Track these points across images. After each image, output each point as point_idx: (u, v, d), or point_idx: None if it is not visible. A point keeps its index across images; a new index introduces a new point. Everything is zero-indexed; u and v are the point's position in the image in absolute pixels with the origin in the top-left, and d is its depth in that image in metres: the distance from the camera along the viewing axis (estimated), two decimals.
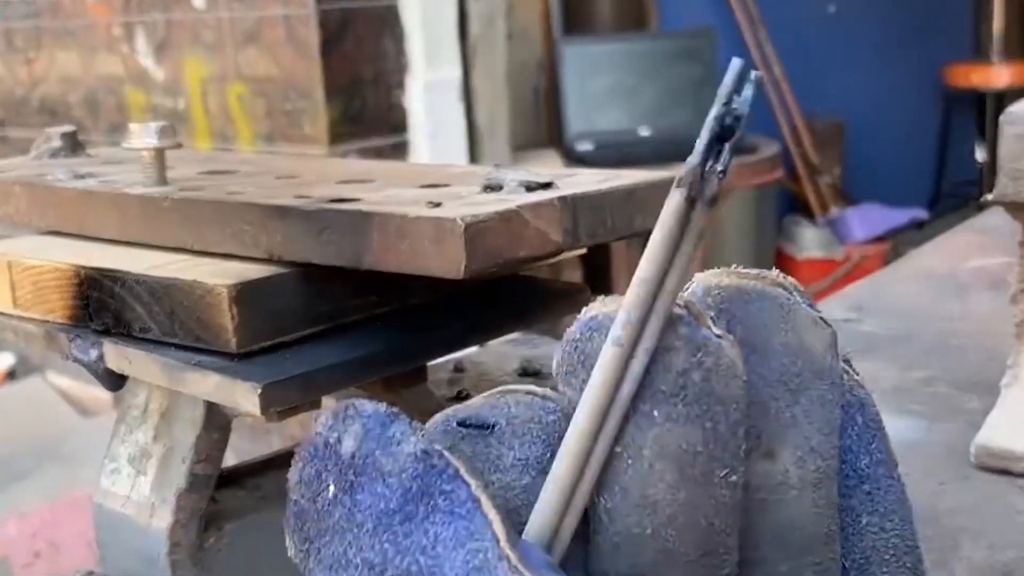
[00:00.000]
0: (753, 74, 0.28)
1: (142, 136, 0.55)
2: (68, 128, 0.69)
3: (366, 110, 1.97)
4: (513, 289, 0.57)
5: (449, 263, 0.40)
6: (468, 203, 0.43)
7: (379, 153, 1.99)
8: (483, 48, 2.08)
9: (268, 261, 0.47)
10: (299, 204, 0.46)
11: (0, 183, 0.60)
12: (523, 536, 0.27)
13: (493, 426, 0.29)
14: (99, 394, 2.26)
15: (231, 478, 0.55)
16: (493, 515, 0.26)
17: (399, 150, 2.02)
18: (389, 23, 1.98)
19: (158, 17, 2.20)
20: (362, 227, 0.43)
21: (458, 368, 0.65)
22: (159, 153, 0.55)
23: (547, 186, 0.45)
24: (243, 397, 0.43)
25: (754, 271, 0.31)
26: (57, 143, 0.67)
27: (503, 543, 0.25)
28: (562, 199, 0.43)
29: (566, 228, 0.43)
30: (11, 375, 2.72)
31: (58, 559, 2.02)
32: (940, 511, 0.67)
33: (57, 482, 2.12)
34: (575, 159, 2.39)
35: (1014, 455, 0.71)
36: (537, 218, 0.42)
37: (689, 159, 0.27)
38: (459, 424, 0.29)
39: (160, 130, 0.55)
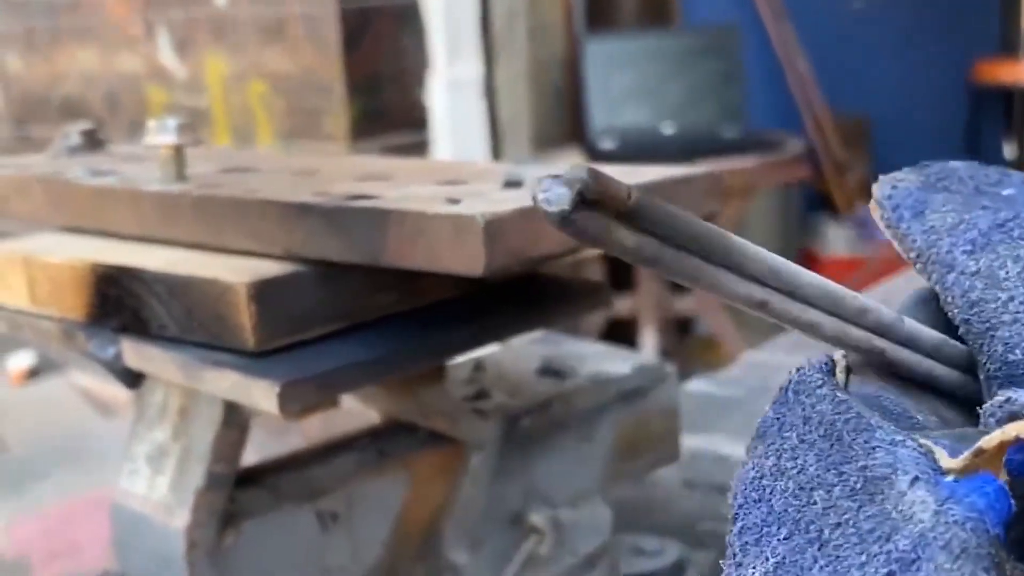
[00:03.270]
0: None
1: (160, 133, 0.54)
2: (87, 125, 0.69)
3: (387, 107, 1.97)
4: (533, 287, 0.57)
5: (469, 260, 0.40)
6: (487, 200, 0.43)
7: (400, 150, 1.99)
8: (505, 45, 2.08)
9: (286, 259, 0.47)
10: (317, 202, 0.46)
11: (19, 180, 0.60)
12: None
13: None
14: (121, 394, 2.27)
15: (249, 477, 0.54)
16: None
17: (420, 147, 2.01)
18: (410, 20, 1.98)
19: (179, 15, 2.20)
20: (380, 224, 0.43)
21: (478, 367, 0.65)
22: (178, 150, 0.55)
23: None
24: (261, 396, 0.43)
25: None
26: (76, 140, 0.67)
27: None
28: None
29: None
30: (33, 374, 2.73)
31: (77, 558, 2.03)
32: None
33: (77, 481, 2.13)
34: (598, 156, 2.38)
35: None
36: None
37: None
38: None
39: (179, 127, 0.54)
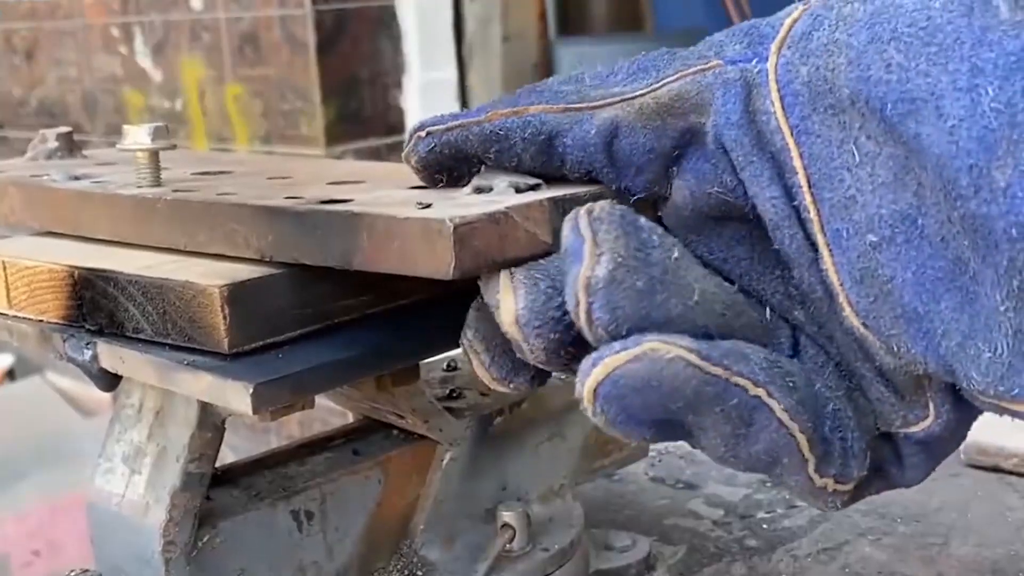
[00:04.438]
0: None
1: (136, 137, 0.55)
2: (64, 129, 0.69)
3: (363, 111, 1.98)
4: None
5: (438, 264, 0.40)
6: (458, 204, 0.43)
7: (376, 154, 1.99)
8: (479, 49, 2.09)
9: (260, 262, 0.48)
10: (289, 205, 0.47)
11: None
12: None
13: None
14: (99, 394, 2.27)
15: (226, 477, 0.55)
16: None
17: (396, 150, 2.01)
18: (385, 24, 1.98)
19: (156, 18, 2.20)
20: (352, 228, 0.43)
21: (451, 367, 0.66)
22: (153, 154, 0.55)
23: (536, 187, 0.45)
24: (234, 397, 0.43)
25: None
26: (53, 144, 0.68)
27: None
28: (551, 200, 0.43)
29: (556, 229, 0.43)
30: (11, 375, 2.72)
31: (57, 558, 2.03)
32: (930, 508, 0.68)
33: (57, 482, 2.13)
34: None
35: (1004, 452, 0.71)
36: (526, 219, 0.42)
37: None
38: None
39: (154, 131, 0.55)
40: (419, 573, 0.57)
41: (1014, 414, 0.37)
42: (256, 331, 0.46)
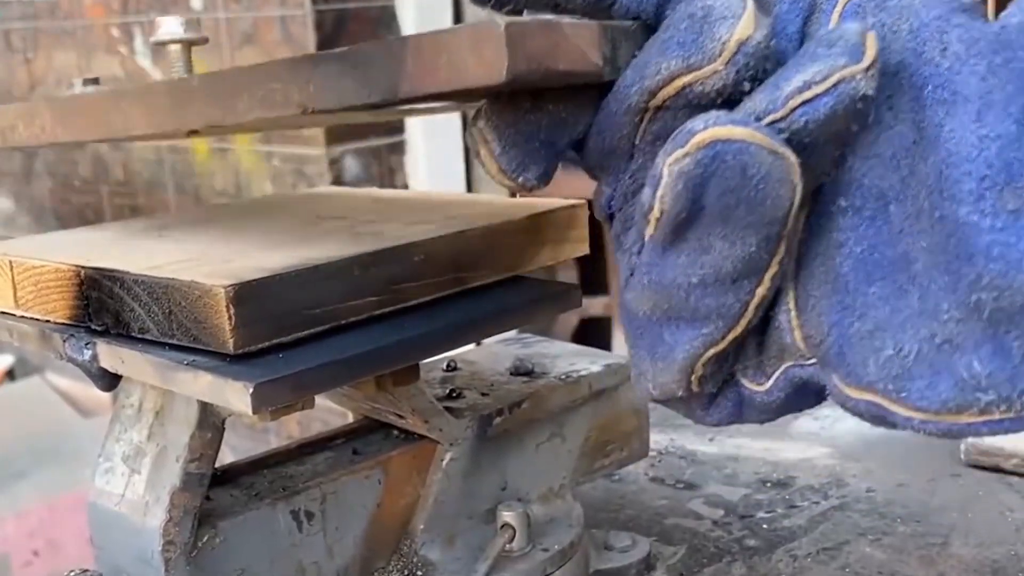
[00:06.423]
0: None
1: (169, 27, 0.55)
2: (91, 77, 0.68)
3: None
4: (507, 288, 0.58)
5: (490, 69, 0.38)
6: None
7: (376, 154, 1.99)
8: None
9: (303, 116, 0.46)
10: (329, 52, 0.45)
11: (25, 107, 0.59)
12: None
13: None
14: (98, 394, 2.26)
15: (225, 477, 0.55)
16: None
17: (396, 150, 2.02)
18: (385, 24, 1.98)
19: (155, 17, 2.20)
20: (397, 55, 0.41)
21: (451, 367, 0.66)
22: (186, 46, 0.55)
23: None
24: (234, 396, 0.43)
25: None
26: (81, 89, 0.67)
27: None
28: (600, 24, 0.42)
29: (605, 54, 0.42)
30: (10, 375, 2.72)
31: (57, 558, 2.03)
32: (931, 508, 0.68)
33: (56, 481, 2.13)
34: None
35: (1004, 452, 0.71)
36: (577, 35, 0.41)
37: None
38: None
39: (186, 23, 0.55)
40: (419, 573, 0.57)
41: (885, 414, 0.37)
42: (262, 331, 0.46)
